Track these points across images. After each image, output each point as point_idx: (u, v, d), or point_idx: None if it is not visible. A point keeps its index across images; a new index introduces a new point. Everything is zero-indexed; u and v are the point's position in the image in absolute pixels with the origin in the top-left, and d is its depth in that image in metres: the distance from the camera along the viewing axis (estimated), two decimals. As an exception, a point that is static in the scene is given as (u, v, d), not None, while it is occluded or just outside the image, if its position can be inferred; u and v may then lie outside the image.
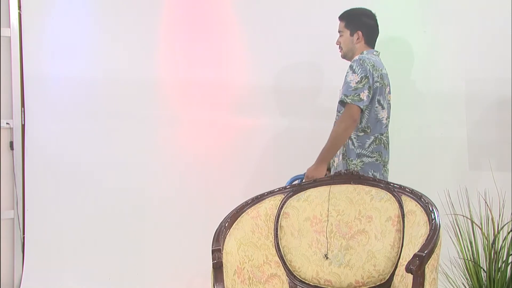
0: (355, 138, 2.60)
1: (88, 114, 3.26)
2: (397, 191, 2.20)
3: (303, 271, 2.21)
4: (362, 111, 2.53)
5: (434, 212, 1.98)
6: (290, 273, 2.22)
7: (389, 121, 2.68)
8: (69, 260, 3.19)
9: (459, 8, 3.29)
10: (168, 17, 3.37)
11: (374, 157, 2.59)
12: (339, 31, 2.73)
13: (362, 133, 2.60)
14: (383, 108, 2.61)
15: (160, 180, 3.30)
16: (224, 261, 2.02)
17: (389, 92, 2.69)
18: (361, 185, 2.28)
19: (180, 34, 3.36)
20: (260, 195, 2.33)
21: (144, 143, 3.29)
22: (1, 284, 3.11)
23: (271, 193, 2.35)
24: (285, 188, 2.40)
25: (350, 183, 2.30)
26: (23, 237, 3.18)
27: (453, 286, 2.63)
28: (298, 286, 2.20)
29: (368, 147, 2.59)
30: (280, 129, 3.34)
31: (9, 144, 3.20)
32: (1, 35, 3.15)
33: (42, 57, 3.24)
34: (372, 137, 2.59)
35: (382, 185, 2.25)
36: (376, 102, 2.58)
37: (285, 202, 2.33)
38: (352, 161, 2.60)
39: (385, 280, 2.09)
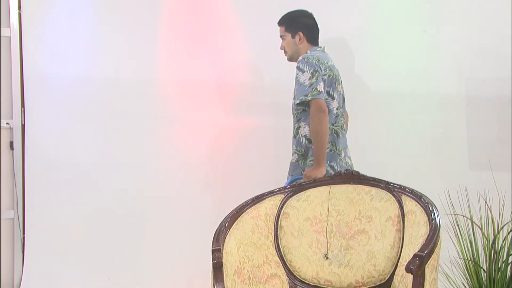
0: (308, 134, 2.61)
1: (88, 114, 3.26)
2: (397, 191, 2.20)
3: (303, 271, 2.21)
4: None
5: (434, 212, 1.98)
6: (290, 273, 2.22)
7: (340, 111, 2.71)
8: (69, 260, 3.19)
9: (459, 8, 3.29)
10: (168, 17, 3.37)
11: (328, 147, 2.59)
12: (280, 36, 2.79)
13: None
14: (333, 98, 2.65)
15: (160, 180, 3.30)
16: (224, 261, 2.02)
17: (340, 83, 2.73)
18: (361, 185, 2.28)
19: (180, 34, 3.36)
20: (260, 195, 2.33)
21: (144, 143, 3.29)
22: (1, 284, 3.11)
23: (271, 193, 2.35)
24: (285, 188, 2.40)
25: (350, 183, 2.31)
26: (23, 237, 3.18)
27: (453, 286, 2.63)
28: (298, 286, 2.20)
29: None
30: (280, 129, 3.32)
31: (9, 144, 3.19)
32: (1, 35, 3.14)
33: (42, 57, 3.23)
34: None
35: (382, 185, 2.25)
36: (326, 94, 2.62)
37: (285, 202, 2.33)
38: (308, 158, 2.63)
39: (385, 280, 2.09)
